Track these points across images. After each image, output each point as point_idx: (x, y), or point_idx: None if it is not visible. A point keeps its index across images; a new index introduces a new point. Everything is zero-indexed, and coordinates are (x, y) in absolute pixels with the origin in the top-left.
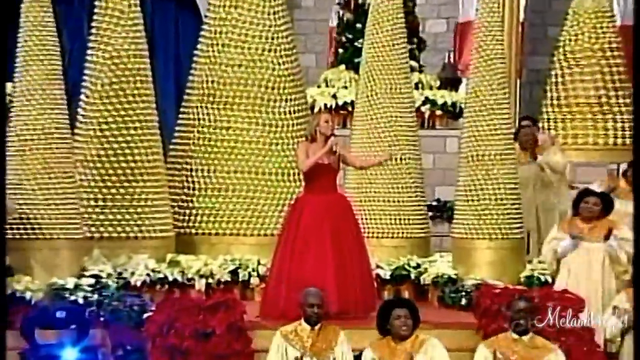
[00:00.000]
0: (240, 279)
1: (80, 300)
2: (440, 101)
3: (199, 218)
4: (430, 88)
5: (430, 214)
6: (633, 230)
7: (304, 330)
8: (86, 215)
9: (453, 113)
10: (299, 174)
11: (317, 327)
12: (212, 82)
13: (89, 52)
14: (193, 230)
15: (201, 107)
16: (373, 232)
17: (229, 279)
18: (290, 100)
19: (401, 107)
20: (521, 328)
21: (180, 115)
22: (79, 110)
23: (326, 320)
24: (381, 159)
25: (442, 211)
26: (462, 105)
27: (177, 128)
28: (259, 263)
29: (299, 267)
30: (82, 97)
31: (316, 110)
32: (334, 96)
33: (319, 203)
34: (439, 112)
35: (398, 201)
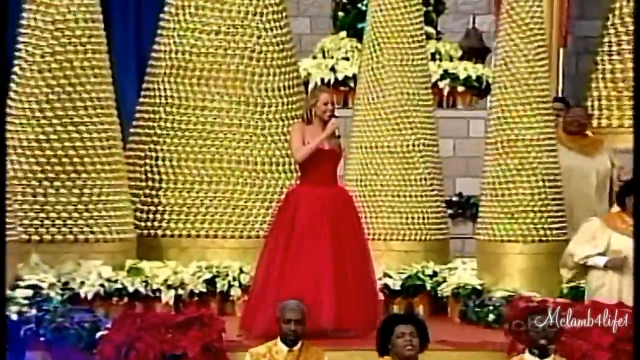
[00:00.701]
0: (218, 290)
1: (14, 317)
2: (462, 75)
3: (166, 216)
4: (451, 59)
5: (449, 211)
6: (633, 227)
7: (280, 352)
8: (21, 214)
9: (478, 89)
10: (290, 163)
11: (296, 348)
12: (183, 52)
13: (24, 15)
14: (159, 232)
15: (169, 82)
16: (379, 234)
17: (204, 290)
18: (280, 74)
19: (414, 82)
20: (540, 349)
21: (143, 93)
22: (12, 85)
23: (309, 340)
24: None
25: (465, 208)
26: (490, 80)
27: (138, 108)
28: (241, 271)
29: (290, 275)
30: (16, 69)
31: (311, 85)
32: (333, 69)
33: (317, 197)
34: (461, 88)
35: (410, 196)
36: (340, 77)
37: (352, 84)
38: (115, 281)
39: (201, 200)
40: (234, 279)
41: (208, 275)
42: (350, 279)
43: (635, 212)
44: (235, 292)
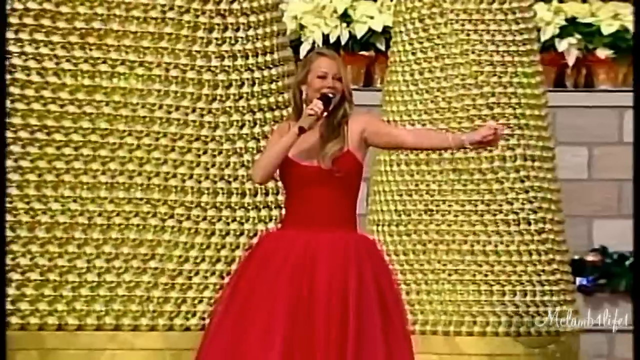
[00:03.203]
0: None
1: None
2: (606, 30)
3: (13, 292)
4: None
5: (581, 281)
6: (633, 230)
7: None
8: None
9: None
10: (267, 192)
11: None
12: None
13: None
14: (9, 320)
15: (30, 41)
16: (435, 323)
17: None
18: (247, 26)
19: (503, 42)
20: None
21: None
22: None
23: None
24: (483, 134)
25: (613, 275)
26: None
27: None
28: None
29: None
30: None
31: (305, 49)
32: (345, 16)
33: (314, 249)
34: (604, 54)
35: (495, 252)
36: (359, 33)
37: (381, 46)
38: None
39: (88, 261)
40: None
41: None
42: None
43: (635, 212)
44: None
